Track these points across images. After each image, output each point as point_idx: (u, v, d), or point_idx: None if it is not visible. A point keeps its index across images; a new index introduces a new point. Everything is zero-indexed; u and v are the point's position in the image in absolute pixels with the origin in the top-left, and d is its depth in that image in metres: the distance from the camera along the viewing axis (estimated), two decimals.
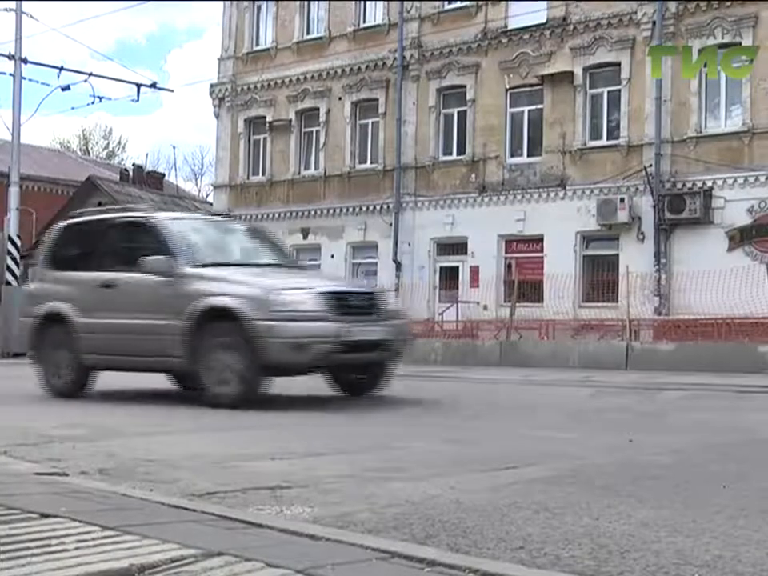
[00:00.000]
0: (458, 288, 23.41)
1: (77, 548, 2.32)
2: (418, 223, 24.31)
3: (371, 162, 25.49)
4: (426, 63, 24.39)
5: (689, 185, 20.39)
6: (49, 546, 2.33)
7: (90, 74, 23.53)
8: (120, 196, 33.60)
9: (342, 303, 7.96)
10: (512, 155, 23.18)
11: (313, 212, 25.98)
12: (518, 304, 19.99)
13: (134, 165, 41.83)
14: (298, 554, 2.31)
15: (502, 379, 12.33)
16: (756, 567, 2.48)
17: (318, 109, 26.38)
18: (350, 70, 25.65)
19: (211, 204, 32.72)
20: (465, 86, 23.72)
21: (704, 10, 20.21)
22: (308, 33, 27.01)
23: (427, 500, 3.43)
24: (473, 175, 23.48)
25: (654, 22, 20.76)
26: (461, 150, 23.86)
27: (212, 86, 28.75)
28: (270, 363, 7.65)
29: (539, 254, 22.34)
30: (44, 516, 2.69)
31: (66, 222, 10.25)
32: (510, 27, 22.82)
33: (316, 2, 26.81)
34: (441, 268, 24.07)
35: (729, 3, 19.86)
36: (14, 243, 21.40)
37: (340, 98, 25.89)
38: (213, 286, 8.04)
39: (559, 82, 22.11)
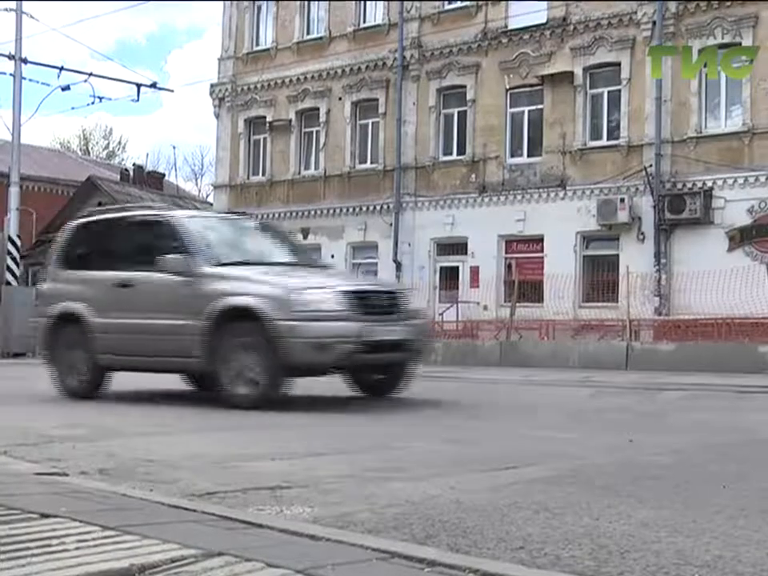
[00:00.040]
0: (458, 288, 23.42)
1: (77, 548, 2.32)
2: (418, 223, 24.32)
3: (371, 162, 25.50)
4: (426, 63, 24.39)
5: (689, 185, 20.39)
6: (49, 546, 2.33)
7: (90, 74, 23.58)
8: (120, 196, 33.60)
9: (364, 302, 7.83)
10: (512, 155, 23.18)
11: (313, 212, 25.99)
12: (518, 304, 20.00)
13: (134, 165, 41.84)
14: (298, 554, 2.30)
15: (502, 379, 12.32)
16: (756, 567, 2.48)
17: (318, 109, 26.38)
18: (350, 70, 25.65)
19: (211, 204, 32.72)
20: (465, 86, 23.72)
21: (704, 10, 20.21)
22: (308, 33, 27.01)
23: (427, 500, 3.43)
24: (473, 175, 23.48)
25: (654, 22, 20.77)
26: (461, 150, 23.86)
27: (212, 86, 28.76)
28: (291, 364, 7.54)
29: (539, 254, 22.35)
30: (44, 516, 2.69)
31: (79, 221, 10.11)
32: (510, 27, 22.82)
33: (316, 2, 26.81)
34: (441, 268, 24.07)
35: (729, 3, 19.86)
36: (14, 243, 21.42)
37: (340, 98, 25.89)
38: (232, 286, 7.91)
39: (559, 82, 22.11)
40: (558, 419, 7.07)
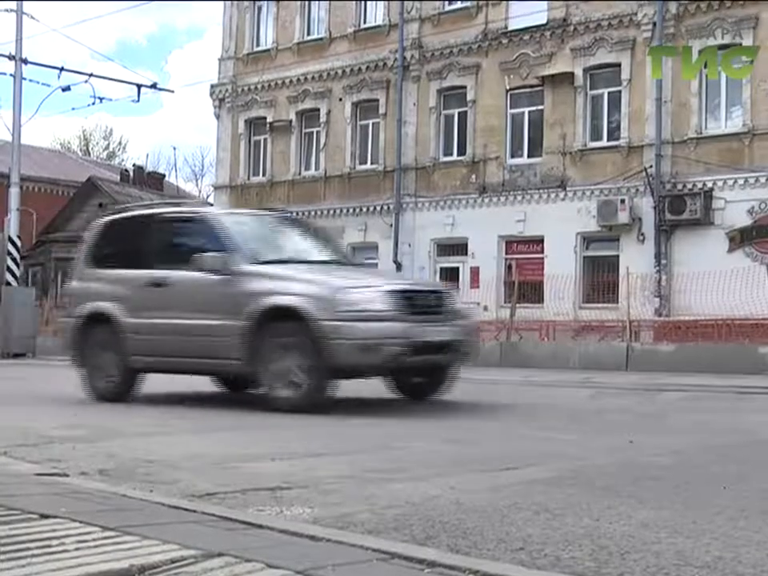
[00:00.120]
0: (458, 289, 23.42)
1: (77, 548, 2.32)
2: (419, 224, 24.33)
3: (371, 163, 25.51)
4: (426, 64, 24.40)
5: (689, 186, 20.40)
6: (49, 546, 2.33)
7: (91, 75, 23.58)
8: (120, 197, 33.61)
9: (411, 302, 7.55)
10: (512, 156, 23.19)
11: (313, 212, 25.99)
12: (518, 305, 19.98)
13: (134, 165, 41.89)
14: (299, 554, 2.30)
15: (502, 380, 12.32)
16: (756, 568, 2.48)
17: (318, 109, 26.40)
18: (350, 71, 25.66)
19: (212, 205, 32.71)
20: (465, 87, 23.73)
21: (704, 11, 20.22)
22: (308, 33, 27.03)
23: (427, 501, 3.43)
24: (473, 176, 23.49)
25: (654, 23, 20.78)
26: (461, 151, 23.87)
27: (212, 86, 28.78)
28: (337, 365, 7.25)
29: (539, 255, 22.35)
30: (44, 517, 2.69)
31: (108, 218, 9.79)
32: (510, 28, 22.84)
33: (316, 2, 26.83)
34: (441, 269, 24.08)
35: (729, 4, 19.88)
36: (14, 244, 21.43)
37: (340, 99, 25.90)
38: (274, 285, 7.63)
39: (559, 83, 22.12)
40: (558, 420, 7.07)
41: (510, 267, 22.58)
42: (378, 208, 25.00)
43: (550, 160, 22.33)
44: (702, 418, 7.36)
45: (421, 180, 24.46)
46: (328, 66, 26.10)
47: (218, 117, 28.81)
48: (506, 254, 23.05)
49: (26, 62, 22.34)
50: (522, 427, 6.45)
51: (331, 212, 25.67)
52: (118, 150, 58.01)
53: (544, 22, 22.37)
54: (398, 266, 24.26)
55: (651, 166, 20.65)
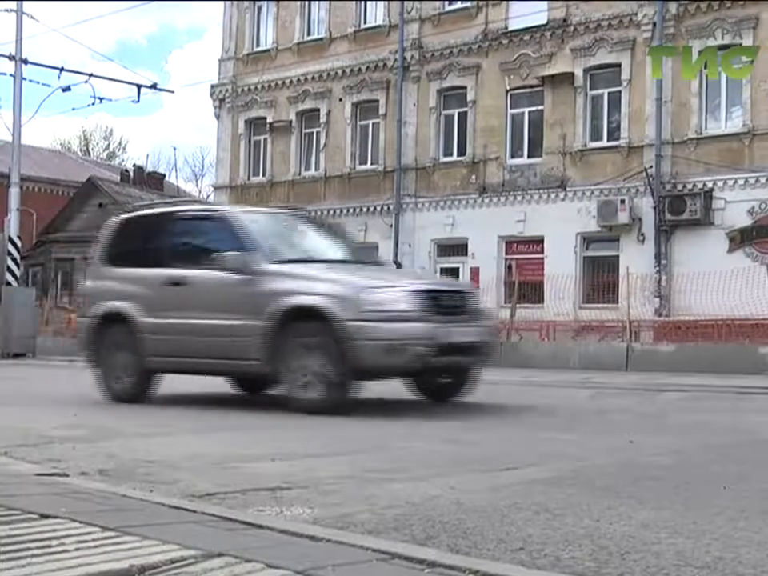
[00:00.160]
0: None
1: (77, 549, 2.32)
2: (419, 224, 24.33)
3: (371, 163, 25.51)
4: (426, 64, 24.41)
5: (689, 186, 20.41)
6: (49, 546, 2.33)
7: (91, 75, 23.56)
8: (120, 197, 33.61)
9: (436, 302, 7.40)
10: (512, 156, 23.20)
11: (313, 213, 25.96)
12: (518, 305, 19.98)
13: (134, 166, 41.89)
14: (299, 554, 2.30)
15: (502, 380, 12.30)
16: (757, 569, 2.48)
17: (318, 110, 26.40)
18: (350, 71, 25.66)
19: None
20: (465, 87, 23.73)
21: (704, 12, 20.23)
22: (308, 34, 27.03)
23: (427, 501, 3.43)
24: (473, 176, 23.49)
25: (654, 23, 20.79)
26: (461, 151, 23.88)
27: (212, 86, 28.78)
28: (361, 367, 7.10)
29: (539, 255, 22.36)
30: (44, 517, 2.69)
31: (124, 216, 9.61)
32: (510, 28, 22.84)
33: (316, 2, 26.83)
34: (441, 269, 24.06)
35: (729, 4, 19.88)
36: (14, 244, 21.43)
37: (340, 99, 25.91)
38: (296, 284, 7.49)
39: (560, 83, 22.13)
40: (558, 420, 7.07)
41: (510, 267, 22.58)
42: (378, 208, 25.00)
43: (550, 160, 22.34)
44: (702, 418, 7.35)
45: (421, 180, 24.46)
46: (328, 66, 26.10)
47: (218, 117, 28.82)
48: (506, 254, 23.05)
49: (26, 62, 22.34)
50: (522, 427, 6.45)
51: (331, 212, 25.65)
52: (118, 150, 58.07)
53: (544, 22, 22.37)
54: (398, 267, 24.23)
55: (651, 167, 20.66)
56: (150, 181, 37.73)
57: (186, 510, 2.92)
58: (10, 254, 21.29)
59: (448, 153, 24.23)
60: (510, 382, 12.02)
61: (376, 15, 25.76)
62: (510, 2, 22.87)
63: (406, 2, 24.55)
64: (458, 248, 23.78)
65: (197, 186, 52.97)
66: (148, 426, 6.23)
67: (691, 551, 2.66)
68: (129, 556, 2.23)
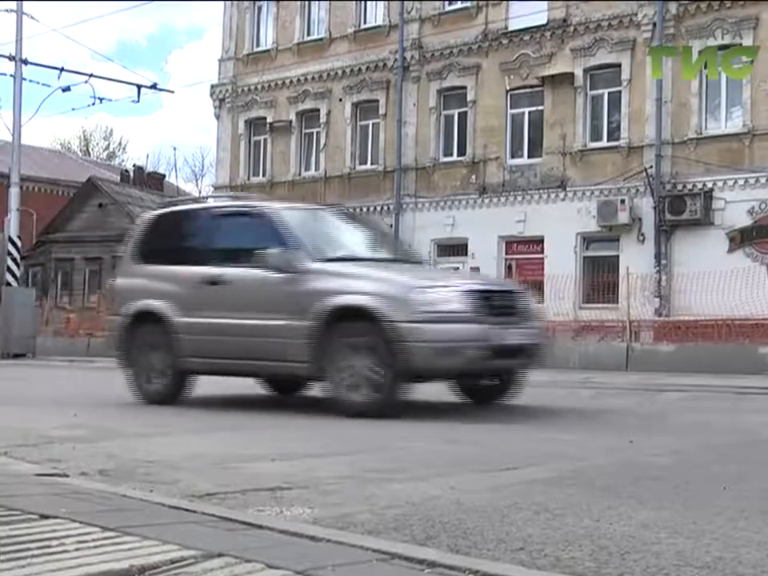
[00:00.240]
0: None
1: (77, 549, 2.32)
2: (419, 224, 24.32)
3: (371, 163, 25.51)
4: (426, 64, 24.41)
5: (689, 186, 20.41)
6: (49, 546, 2.33)
7: (91, 75, 23.59)
8: (121, 197, 33.66)
9: (488, 303, 7.13)
10: (512, 156, 23.20)
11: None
12: None
13: (134, 166, 41.91)
14: (299, 555, 2.30)
15: None
16: (757, 569, 2.48)
17: (318, 110, 26.40)
18: (350, 71, 25.67)
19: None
20: (465, 87, 23.74)
21: (704, 12, 20.23)
22: (308, 34, 27.04)
23: (427, 501, 3.43)
24: (473, 176, 23.49)
25: (654, 24, 20.79)
26: (461, 151, 23.88)
27: (212, 87, 28.79)
28: (413, 369, 6.87)
29: (539, 255, 22.36)
30: (44, 517, 2.69)
31: (157, 212, 9.35)
32: (510, 28, 22.85)
33: (316, 2, 26.84)
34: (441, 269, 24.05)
35: (729, 4, 19.89)
36: (14, 244, 21.43)
37: (340, 99, 25.91)
38: (342, 283, 7.25)
39: (560, 84, 22.13)
40: (558, 420, 7.07)
41: (510, 267, 22.59)
42: (378, 208, 24.99)
43: (550, 160, 22.34)
44: (702, 418, 7.35)
45: (421, 180, 24.47)
46: (328, 66, 26.10)
47: (218, 117, 28.82)
48: (506, 254, 23.05)
49: (26, 62, 22.35)
50: (522, 427, 6.45)
51: None
52: (118, 150, 58.11)
53: (544, 22, 22.38)
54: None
55: (651, 167, 20.66)
56: (150, 181, 37.74)
57: (186, 510, 2.92)
58: (9, 254, 21.30)
59: (448, 153, 24.24)
60: None
61: (376, 15, 25.77)
62: (510, 2, 22.88)
63: (405, 2, 24.55)
64: (457, 248, 23.78)
65: (197, 186, 52.98)
66: (148, 426, 6.23)
67: (691, 551, 2.66)
68: (129, 556, 2.23)
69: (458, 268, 22.44)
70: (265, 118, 27.40)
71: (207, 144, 62.94)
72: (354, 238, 8.79)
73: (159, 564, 2.18)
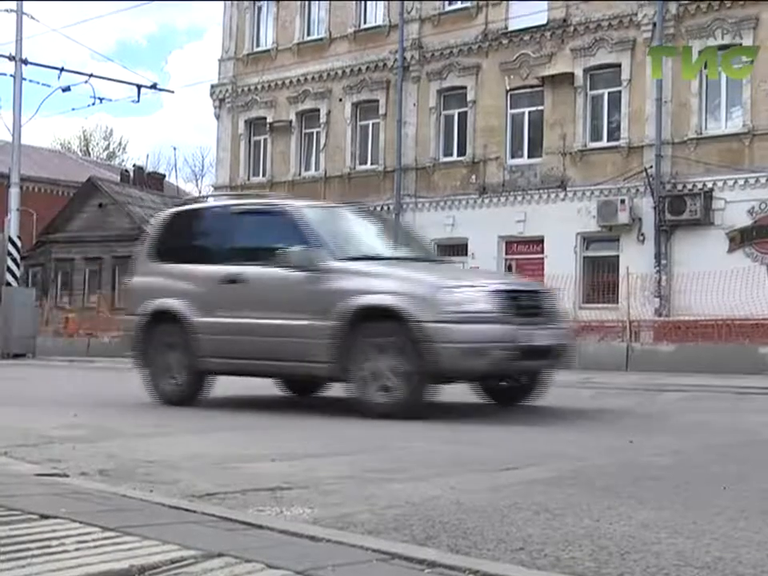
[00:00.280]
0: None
1: (77, 549, 2.32)
2: (419, 224, 24.24)
3: (371, 163, 25.51)
4: (426, 64, 24.41)
5: (689, 186, 20.41)
6: (49, 546, 2.33)
7: (91, 75, 23.58)
8: (121, 197, 33.66)
9: (515, 303, 7.02)
10: (512, 156, 23.20)
11: None
12: None
13: (134, 166, 41.92)
14: (299, 555, 2.30)
15: None
16: (757, 569, 2.48)
17: (318, 110, 26.40)
18: (350, 71, 25.66)
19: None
20: (465, 87, 23.74)
21: (704, 12, 20.23)
22: (308, 34, 27.04)
23: (427, 501, 3.43)
24: (473, 176, 23.49)
25: (654, 24, 20.79)
26: (461, 151, 23.88)
27: (212, 87, 28.79)
28: (439, 370, 6.77)
29: (539, 255, 22.36)
30: (44, 517, 2.69)
31: (175, 210, 9.21)
32: (510, 28, 22.85)
33: (316, 2, 26.84)
34: None
35: (729, 4, 19.89)
36: (14, 244, 21.43)
37: (340, 99, 25.91)
38: (366, 282, 7.12)
39: (560, 84, 22.13)
40: (558, 420, 7.07)
41: (510, 267, 22.58)
42: (378, 208, 24.93)
43: (550, 160, 22.34)
44: (702, 418, 7.35)
45: (421, 180, 24.46)
46: (328, 66, 26.10)
47: (218, 117, 28.82)
48: (506, 254, 23.05)
49: (26, 62, 22.34)
50: (522, 427, 6.45)
51: None
52: (118, 150, 58.13)
53: (544, 22, 22.38)
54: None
55: (651, 167, 20.66)
56: (150, 181, 37.74)
57: (186, 510, 2.92)
58: (9, 254, 21.30)
59: (448, 153, 24.24)
60: None
61: (376, 15, 25.77)
62: (510, 2, 22.88)
63: (405, 2, 24.55)
64: (457, 248, 23.76)
65: (197, 186, 53.00)
66: (148, 426, 6.23)
67: (691, 551, 2.66)
68: (129, 556, 2.23)
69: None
70: (265, 118, 27.40)
71: (207, 144, 63.01)
72: (375, 237, 8.65)
73: (159, 564, 2.18)
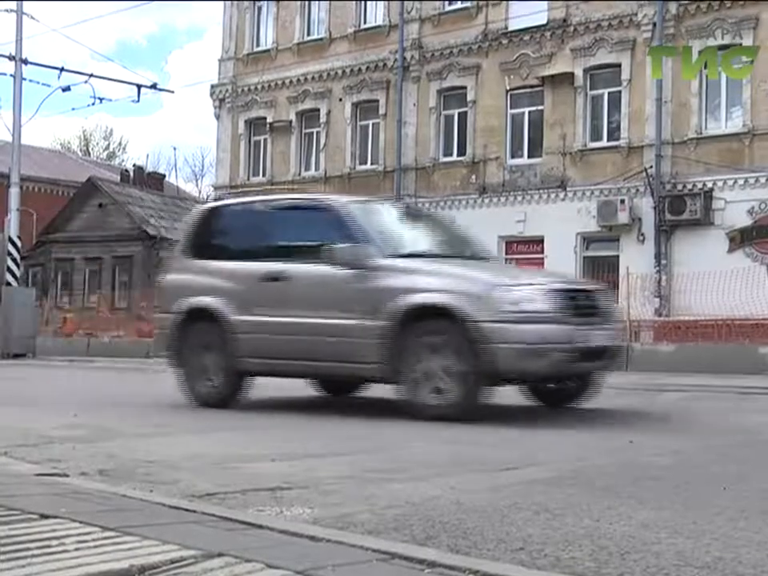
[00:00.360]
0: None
1: (77, 549, 2.32)
2: None
3: (372, 163, 25.51)
4: (426, 64, 24.41)
5: (689, 186, 20.41)
6: (49, 546, 2.33)
7: (91, 75, 23.58)
8: (121, 197, 33.66)
9: (573, 302, 6.79)
10: (512, 156, 23.20)
11: None
12: None
13: (134, 166, 41.92)
14: (299, 554, 2.30)
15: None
16: (757, 569, 2.48)
17: (318, 110, 26.40)
18: (350, 71, 25.66)
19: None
20: (465, 87, 23.74)
21: (704, 12, 20.23)
22: (308, 34, 27.04)
23: (427, 501, 3.43)
24: (473, 176, 23.49)
25: (654, 24, 20.79)
26: (461, 151, 23.88)
27: (212, 87, 28.79)
28: (497, 372, 6.55)
29: (540, 255, 22.35)
30: (44, 517, 2.69)
31: (211, 205, 8.97)
32: (510, 28, 22.85)
33: (316, 2, 26.84)
34: None
35: (729, 4, 19.89)
36: (14, 244, 21.43)
37: (340, 99, 25.91)
38: (417, 280, 6.87)
39: (560, 83, 22.13)
40: (558, 420, 7.07)
41: None
42: None
43: (550, 160, 22.34)
44: (702, 418, 7.35)
45: (421, 180, 24.46)
46: (328, 66, 26.10)
47: (218, 117, 28.82)
48: (506, 254, 23.02)
49: (26, 62, 22.34)
50: (522, 427, 6.44)
51: None
52: (118, 150, 58.15)
53: (544, 22, 22.38)
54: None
55: (651, 167, 20.66)
56: (150, 181, 37.74)
57: (186, 510, 2.92)
58: (9, 254, 21.30)
59: (448, 153, 24.23)
60: None
61: (376, 15, 25.77)
62: (510, 2, 22.88)
63: (405, 2, 24.55)
64: None
65: (197, 186, 53.05)
66: (148, 426, 6.23)
67: (691, 551, 2.66)
68: (129, 556, 2.23)
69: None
70: (265, 118, 27.40)
71: (207, 144, 63.04)
72: (421, 233, 8.37)
73: (159, 564, 2.18)
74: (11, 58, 21.94)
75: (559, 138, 22.16)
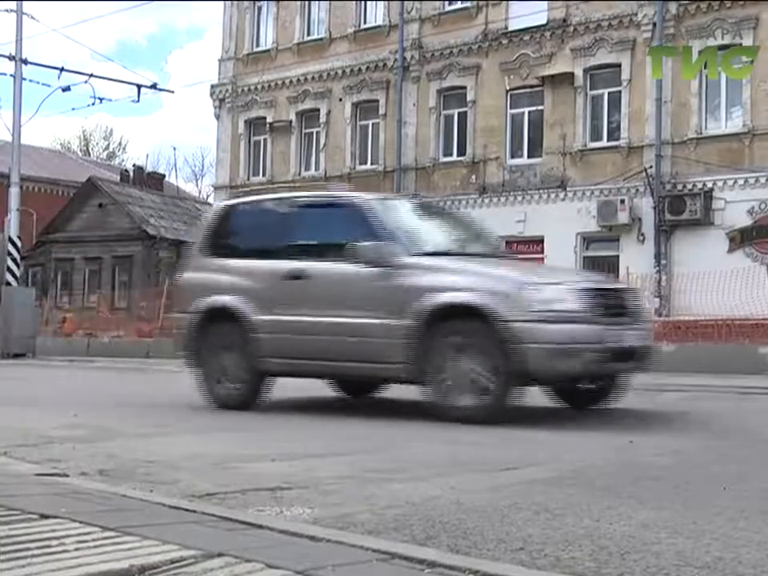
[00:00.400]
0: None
1: (77, 549, 2.32)
2: None
3: (372, 163, 25.51)
4: (426, 64, 24.41)
5: (689, 186, 20.41)
6: (49, 546, 2.33)
7: (91, 75, 23.59)
8: (121, 197, 33.65)
9: (603, 302, 6.66)
10: (512, 156, 23.20)
11: None
12: None
13: (134, 166, 41.91)
14: (299, 554, 2.30)
15: None
16: (757, 569, 2.48)
17: (318, 110, 26.40)
18: (350, 71, 25.66)
19: (212, 205, 32.75)
20: (465, 87, 23.74)
21: (704, 12, 20.24)
22: (308, 34, 27.04)
23: (427, 501, 3.43)
24: (473, 176, 23.49)
25: (654, 24, 20.80)
26: (461, 151, 23.88)
27: (212, 87, 28.79)
28: (527, 372, 6.40)
29: (540, 255, 22.33)
30: (44, 517, 2.69)
31: (230, 202, 8.84)
32: (510, 28, 22.85)
33: (316, 2, 26.84)
34: None
35: (729, 4, 19.89)
36: (14, 244, 21.43)
37: (340, 99, 25.91)
38: (444, 279, 6.73)
39: (560, 83, 22.13)
40: (557, 420, 7.07)
41: None
42: None
43: (550, 160, 22.34)
44: (702, 418, 7.35)
45: (421, 180, 24.46)
46: (328, 66, 26.10)
47: (218, 117, 28.82)
48: None
49: (26, 62, 22.34)
50: (522, 427, 6.44)
51: None
52: (118, 150, 58.16)
53: (544, 22, 22.38)
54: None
55: (651, 167, 20.66)
56: (150, 181, 37.73)
57: (186, 510, 2.92)
58: (9, 254, 21.30)
59: (448, 153, 24.23)
60: None
61: (376, 15, 25.77)
62: (510, 2, 22.88)
63: (405, 2, 24.55)
64: None
65: (197, 186, 53.07)
66: (148, 426, 6.23)
67: (691, 551, 2.66)
68: (129, 556, 2.23)
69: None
70: (265, 118, 27.40)
71: (207, 144, 63.05)
72: (445, 231, 8.21)
73: (159, 564, 2.18)
74: (11, 58, 21.94)
75: (559, 137, 22.16)
